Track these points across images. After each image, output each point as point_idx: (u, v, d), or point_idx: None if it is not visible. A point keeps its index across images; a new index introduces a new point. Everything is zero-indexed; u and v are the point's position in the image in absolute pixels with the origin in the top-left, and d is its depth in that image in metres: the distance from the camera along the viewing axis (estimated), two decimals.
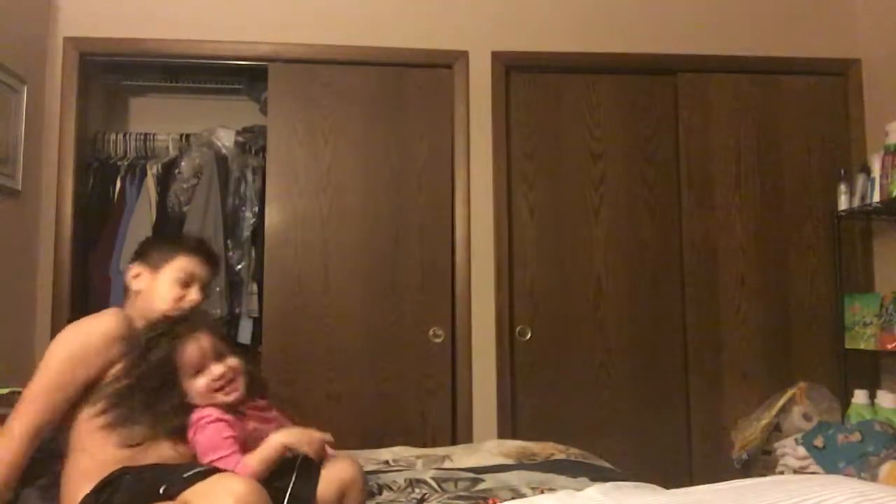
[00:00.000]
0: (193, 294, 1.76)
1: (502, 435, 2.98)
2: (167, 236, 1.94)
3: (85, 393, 1.61)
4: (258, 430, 1.64)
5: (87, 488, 1.52)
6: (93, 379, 1.60)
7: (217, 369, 1.60)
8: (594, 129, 3.25)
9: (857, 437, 2.47)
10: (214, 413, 1.58)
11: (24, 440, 1.56)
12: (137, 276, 1.78)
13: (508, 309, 3.12)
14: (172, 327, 1.63)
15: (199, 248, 1.83)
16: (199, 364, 1.59)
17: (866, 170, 3.02)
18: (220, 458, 1.52)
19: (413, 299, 3.07)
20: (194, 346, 1.60)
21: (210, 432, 1.56)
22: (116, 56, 3.12)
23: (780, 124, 3.30)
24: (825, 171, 3.27)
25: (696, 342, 3.18)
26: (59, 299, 2.94)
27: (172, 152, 3.26)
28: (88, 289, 3.13)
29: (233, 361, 1.64)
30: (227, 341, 1.71)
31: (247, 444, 1.59)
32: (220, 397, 1.60)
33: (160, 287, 1.74)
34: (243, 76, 3.34)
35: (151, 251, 1.80)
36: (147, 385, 1.58)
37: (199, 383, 1.59)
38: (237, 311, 3.13)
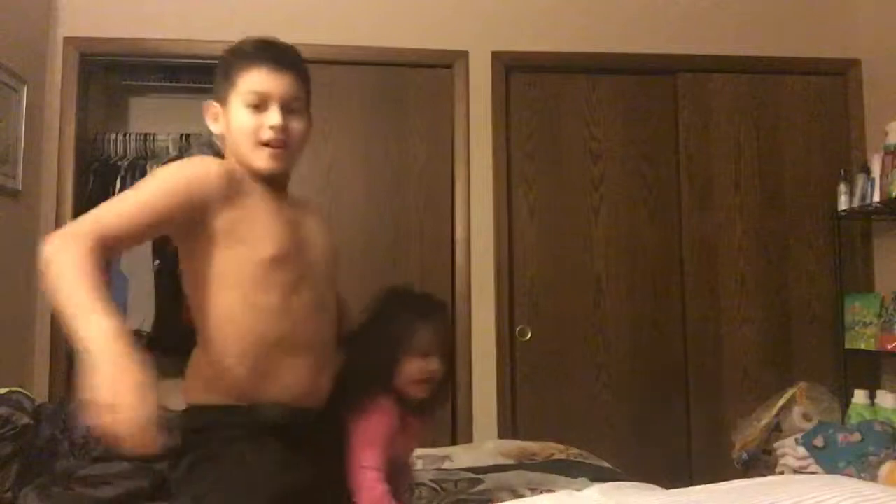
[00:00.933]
0: (273, 118, 1.35)
1: (502, 435, 2.98)
2: (232, 49, 1.43)
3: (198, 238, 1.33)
4: (401, 452, 1.63)
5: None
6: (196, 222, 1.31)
7: (433, 364, 1.57)
8: (594, 129, 3.25)
9: (857, 437, 2.47)
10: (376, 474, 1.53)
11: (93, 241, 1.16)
12: (215, 116, 1.45)
13: (508, 309, 3.12)
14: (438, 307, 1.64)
15: (262, 54, 1.38)
16: (427, 350, 1.56)
17: (866, 170, 3.02)
18: None
19: None
20: (438, 332, 1.58)
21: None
22: (116, 56, 3.12)
23: (780, 124, 3.30)
24: (825, 171, 3.27)
25: (696, 342, 3.18)
26: None
27: (172, 152, 3.26)
28: None
29: (442, 368, 1.59)
30: (450, 340, 1.70)
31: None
32: (416, 390, 1.57)
33: (234, 120, 1.38)
34: None
35: (218, 84, 1.42)
36: (384, 335, 1.56)
37: (414, 367, 1.55)
38: None
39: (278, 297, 1.34)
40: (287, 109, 1.38)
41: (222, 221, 1.32)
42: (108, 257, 1.21)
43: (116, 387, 1.01)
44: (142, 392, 1.02)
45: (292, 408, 1.35)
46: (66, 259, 1.12)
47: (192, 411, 1.36)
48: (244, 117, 1.37)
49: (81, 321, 1.07)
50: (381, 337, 1.56)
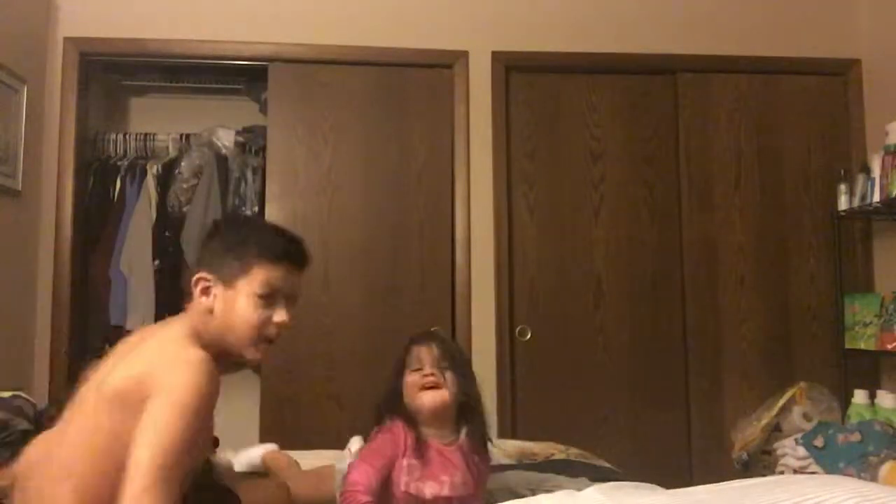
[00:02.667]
0: (282, 315, 1.34)
1: (502, 434, 2.98)
2: (236, 231, 1.40)
3: None
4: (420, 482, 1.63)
5: None
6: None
7: (426, 370, 1.68)
8: (594, 129, 3.25)
9: (857, 437, 2.47)
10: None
11: None
12: (206, 290, 1.33)
13: (508, 309, 3.12)
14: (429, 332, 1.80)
15: (285, 253, 1.37)
16: (420, 363, 1.69)
17: (866, 170, 3.02)
18: None
19: (413, 299, 3.07)
20: (429, 347, 1.71)
21: None
22: (116, 56, 3.12)
23: (780, 124, 3.30)
24: (825, 171, 3.27)
25: (696, 342, 3.18)
26: (59, 299, 2.94)
27: (172, 152, 3.26)
28: (88, 289, 3.13)
29: (445, 378, 1.68)
30: (458, 361, 1.73)
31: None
32: (425, 398, 1.65)
33: (239, 308, 1.31)
34: (243, 76, 3.34)
35: (221, 259, 1.34)
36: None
37: (411, 378, 1.68)
38: None
39: None
40: (291, 304, 1.37)
41: None
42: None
43: None
44: None
45: None
46: None
47: None
48: (253, 310, 1.31)
49: None
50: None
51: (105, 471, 1.17)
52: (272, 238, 1.38)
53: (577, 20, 3.26)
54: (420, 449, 1.61)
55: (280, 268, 1.34)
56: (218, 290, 1.33)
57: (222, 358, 1.29)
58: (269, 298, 1.32)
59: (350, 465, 1.63)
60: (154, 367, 1.20)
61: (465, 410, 1.69)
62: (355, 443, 2.12)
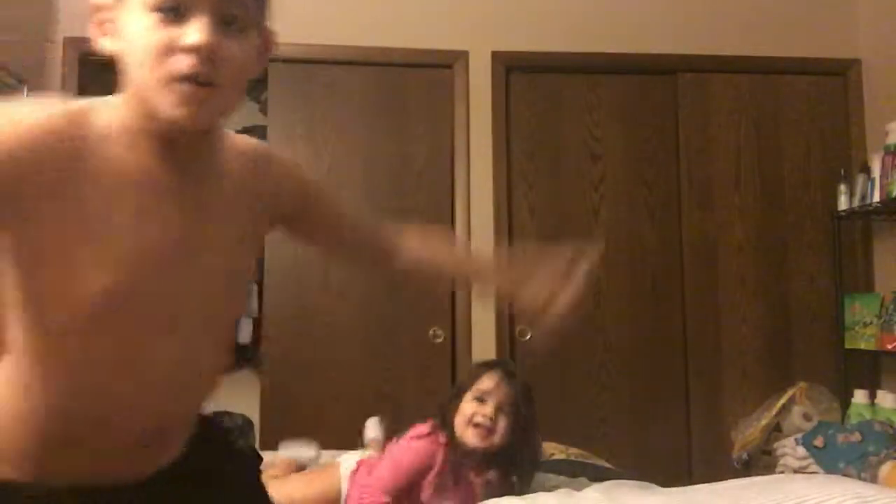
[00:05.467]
0: (193, 33, 0.77)
1: None
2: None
3: None
4: None
5: None
6: None
7: (487, 409, 1.65)
8: (594, 129, 3.25)
9: (857, 437, 2.47)
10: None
11: None
12: (101, 22, 0.88)
13: (508, 309, 3.11)
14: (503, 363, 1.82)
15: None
16: (484, 394, 1.68)
17: (866, 170, 3.02)
18: None
19: (413, 299, 3.07)
20: (498, 383, 1.69)
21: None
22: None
23: (780, 124, 3.30)
24: (825, 171, 3.27)
25: (696, 342, 3.18)
26: None
27: None
28: None
29: (504, 426, 1.67)
30: (521, 411, 1.70)
31: None
32: (471, 435, 1.65)
33: (129, 32, 0.82)
34: None
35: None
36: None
37: (468, 405, 1.67)
38: None
39: (110, 346, 0.85)
40: (222, 21, 0.82)
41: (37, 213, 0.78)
42: None
43: None
44: None
45: (85, 489, 0.89)
46: None
47: None
48: (146, 27, 0.81)
49: None
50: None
51: None
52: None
53: (577, 20, 3.26)
54: (453, 472, 1.64)
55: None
56: (107, 11, 0.86)
57: (150, 129, 0.84)
58: (171, 11, 0.80)
59: (385, 456, 1.65)
60: None
61: (508, 453, 1.70)
62: (372, 427, 2.12)
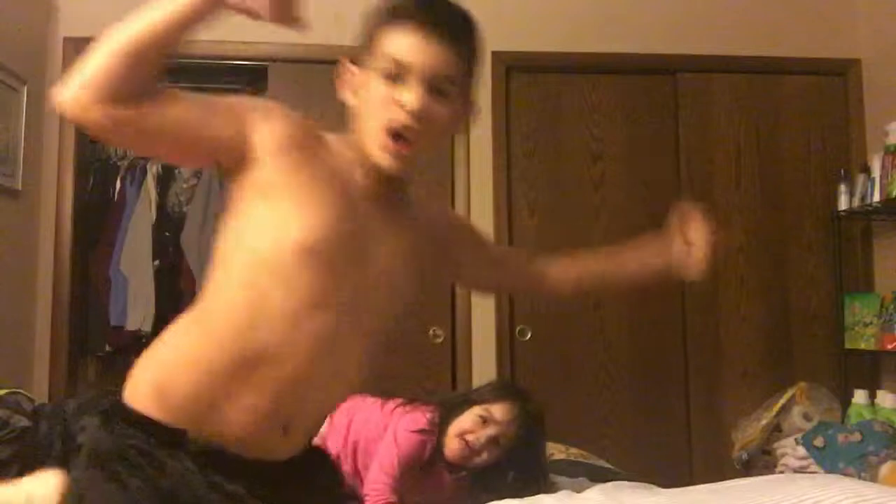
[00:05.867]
0: (409, 96, 1.03)
1: None
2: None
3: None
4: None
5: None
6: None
7: (484, 430, 1.63)
8: (594, 129, 3.25)
9: (857, 437, 2.47)
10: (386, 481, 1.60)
11: None
12: (347, 81, 1.17)
13: (508, 309, 3.11)
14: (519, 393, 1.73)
15: (423, 12, 1.05)
16: (488, 416, 1.65)
17: (866, 170, 3.02)
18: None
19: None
20: (508, 409, 1.67)
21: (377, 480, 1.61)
22: None
23: (780, 124, 3.30)
24: (825, 171, 3.27)
25: (696, 342, 3.18)
26: (59, 299, 2.94)
27: None
28: (88, 289, 3.13)
29: (490, 457, 1.65)
30: (519, 449, 1.68)
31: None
32: (454, 446, 1.64)
33: (364, 91, 1.10)
34: (243, 76, 3.34)
35: (360, 36, 1.13)
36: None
37: (468, 418, 1.64)
38: None
39: (290, 305, 1.03)
40: (433, 90, 1.04)
41: (266, 172, 1.05)
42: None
43: None
44: None
45: (230, 455, 1.06)
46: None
47: (119, 413, 1.06)
48: (377, 87, 1.06)
49: None
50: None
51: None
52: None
53: (577, 20, 3.25)
54: (430, 469, 1.64)
55: (406, 33, 1.03)
56: (355, 76, 1.14)
57: (362, 158, 1.10)
58: (395, 77, 1.04)
59: (383, 454, 1.65)
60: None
61: (482, 474, 1.69)
62: None
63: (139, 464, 1.00)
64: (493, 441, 1.63)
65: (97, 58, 0.98)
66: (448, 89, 1.06)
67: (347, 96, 1.15)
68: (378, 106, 1.05)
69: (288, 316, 1.03)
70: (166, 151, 1.11)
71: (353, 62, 1.13)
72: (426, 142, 1.07)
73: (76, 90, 0.94)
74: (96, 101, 0.94)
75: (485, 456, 1.63)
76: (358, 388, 1.29)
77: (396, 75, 1.04)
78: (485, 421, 1.63)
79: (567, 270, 1.40)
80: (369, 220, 1.10)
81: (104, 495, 1.00)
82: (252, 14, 1.01)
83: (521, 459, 1.66)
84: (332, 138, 1.14)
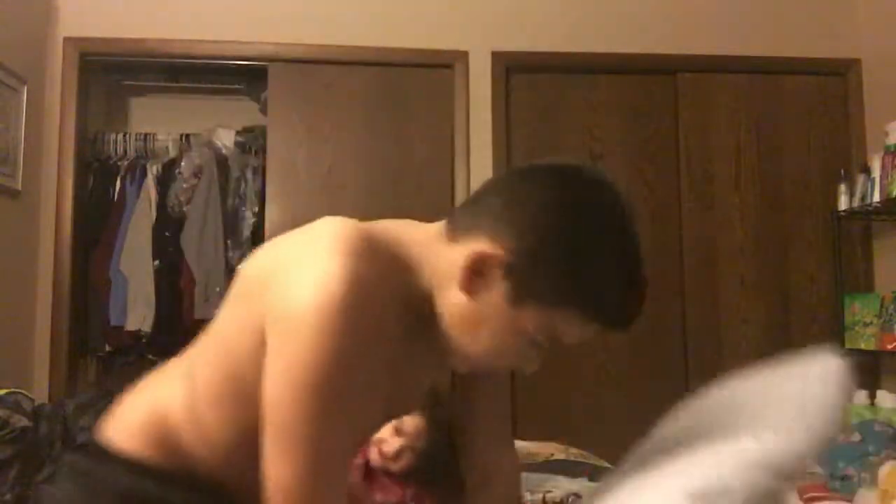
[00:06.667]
0: (533, 364, 1.00)
1: None
2: (584, 238, 0.98)
3: None
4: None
5: None
6: None
7: (391, 444, 1.65)
8: (594, 129, 3.25)
9: (857, 437, 2.47)
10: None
11: None
12: (482, 271, 0.89)
13: None
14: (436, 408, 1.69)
15: (620, 320, 1.02)
16: (399, 424, 1.67)
17: (866, 170, 3.02)
18: None
19: None
20: (418, 419, 1.68)
21: None
22: (116, 56, 3.12)
23: (781, 124, 3.30)
24: (825, 171, 3.27)
25: (696, 342, 3.18)
26: (59, 299, 2.94)
27: (172, 152, 3.26)
28: (88, 289, 3.13)
29: (412, 453, 1.66)
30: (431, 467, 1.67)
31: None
32: (373, 453, 1.66)
33: (498, 328, 0.93)
34: (243, 76, 3.34)
35: (535, 263, 0.91)
36: None
37: (384, 429, 1.65)
38: None
39: None
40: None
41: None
42: None
43: None
44: None
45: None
46: None
47: (116, 464, 0.96)
48: (513, 346, 0.94)
49: None
50: None
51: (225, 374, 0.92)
52: (619, 293, 1.02)
53: (577, 20, 3.26)
54: (372, 475, 1.67)
55: (595, 329, 0.97)
56: (497, 284, 0.89)
57: (416, 314, 0.93)
58: (540, 346, 0.96)
59: None
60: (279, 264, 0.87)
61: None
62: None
63: None
64: (406, 450, 1.67)
65: None
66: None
67: (471, 282, 0.90)
68: (511, 348, 0.95)
69: None
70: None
71: (509, 281, 0.89)
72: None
73: None
74: None
75: (403, 462, 1.67)
76: None
77: (539, 344, 0.95)
78: (397, 431, 1.67)
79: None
80: (412, 377, 1.04)
81: None
82: None
83: (436, 467, 1.69)
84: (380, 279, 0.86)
